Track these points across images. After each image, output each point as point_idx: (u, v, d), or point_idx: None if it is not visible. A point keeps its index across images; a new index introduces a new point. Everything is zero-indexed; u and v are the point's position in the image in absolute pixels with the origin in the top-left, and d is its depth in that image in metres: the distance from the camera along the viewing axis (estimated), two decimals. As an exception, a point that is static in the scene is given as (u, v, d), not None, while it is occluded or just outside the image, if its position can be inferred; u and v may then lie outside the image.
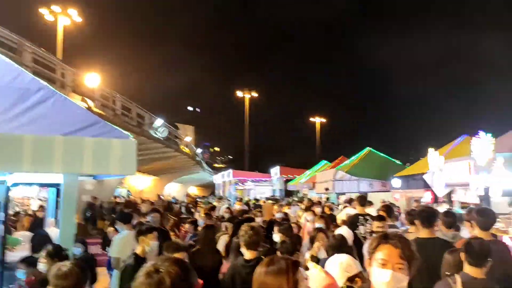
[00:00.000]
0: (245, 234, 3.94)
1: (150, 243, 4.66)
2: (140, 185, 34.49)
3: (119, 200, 26.90)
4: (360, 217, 6.07)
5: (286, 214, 10.33)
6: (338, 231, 5.39)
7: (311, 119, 53.86)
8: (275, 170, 32.15)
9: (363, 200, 6.80)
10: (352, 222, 6.13)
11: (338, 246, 4.07)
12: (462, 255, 3.21)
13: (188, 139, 27.00)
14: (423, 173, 13.36)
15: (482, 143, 9.53)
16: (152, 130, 17.96)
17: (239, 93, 51.49)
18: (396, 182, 16.20)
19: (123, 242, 5.73)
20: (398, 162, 19.56)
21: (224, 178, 40.31)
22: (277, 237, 5.37)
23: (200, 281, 3.43)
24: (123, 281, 4.21)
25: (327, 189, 19.02)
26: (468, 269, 3.15)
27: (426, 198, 13.72)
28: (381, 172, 18.09)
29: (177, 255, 3.59)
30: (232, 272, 3.93)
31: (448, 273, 3.29)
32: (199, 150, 35.84)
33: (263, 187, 35.17)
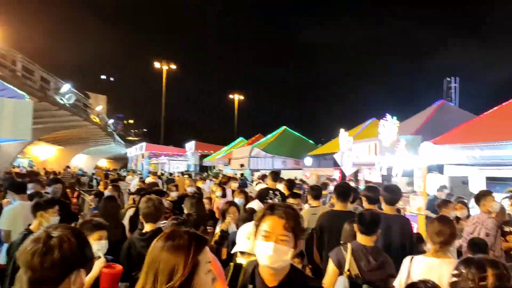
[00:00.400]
0: (143, 206, 3.78)
1: (50, 219, 4.03)
2: (44, 155, 31.94)
3: (19, 170, 24.70)
4: (269, 191, 6.16)
5: (198, 188, 10.12)
6: (250, 205, 5.41)
7: (230, 96, 53.75)
8: (190, 145, 31.66)
9: (275, 175, 6.88)
10: (261, 196, 6.18)
11: (249, 219, 3.99)
12: (355, 226, 3.49)
13: (99, 108, 25.30)
14: (333, 153, 13.99)
15: (388, 125, 10.15)
16: (58, 96, 16.45)
17: (156, 65, 49.35)
18: (308, 160, 16.81)
19: (14, 214, 5.12)
20: (311, 141, 20.29)
21: (137, 152, 38.88)
22: (185, 211, 5.17)
23: (119, 267, 3.09)
24: (10, 260, 3.67)
25: (242, 165, 19.17)
26: (359, 237, 3.42)
27: (335, 176, 14.42)
28: (295, 150, 18.65)
29: (96, 234, 3.22)
30: (127, 245, 3.69)
31: (343, 242, 3.60)
32: (110, 121, 33.92)
33: (177, 162, 34.56)
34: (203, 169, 32.04)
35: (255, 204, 5.35)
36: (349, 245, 3.35)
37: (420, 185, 9.96)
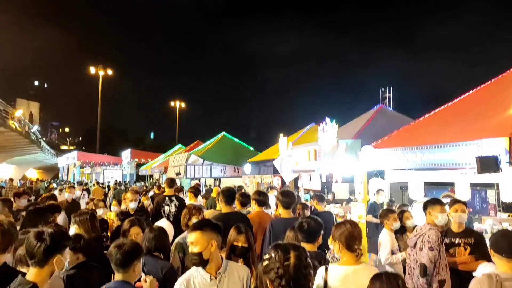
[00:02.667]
0: None
1: None
2: (-42, 166, 28.81)
3: None
4: (166, 198, 6.47)
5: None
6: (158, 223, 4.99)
7: (171, 103, 52.12)
8: (126, 154, 29.97)
9: (172, 182, 7.22)
10: (158, 203, 6.66)
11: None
12: (298, 234, 3.70)
13: (19, 113, 22.90)
14: (273, 159, 13.39)
15: (327, 129, 9.67)
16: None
17: (92, 70, 46.67)
18: (247, 167, 16.11)
19: None
20: (251, 148, 19.63)
21: (69, 161, 36.31)
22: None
23: None
24: None
25: (178, 173, 18.07)
26: (303, 245, 3.41)
27: (274, 183, 13.80)
28: (234, 157, 17.90)
29: None
30: None
31: None
32: (35, 127, 31.22)
33: (112, 170, 32.55)
34: (139, 178, 30.41)
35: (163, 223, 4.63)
36: None
37: (361, 192, 9.55)
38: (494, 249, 3.09)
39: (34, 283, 2.28)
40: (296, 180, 13.14)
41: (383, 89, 12.74)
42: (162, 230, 3.81)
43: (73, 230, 3.84)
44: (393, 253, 4.83)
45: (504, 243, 3.04)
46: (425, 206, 4.58)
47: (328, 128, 9.74)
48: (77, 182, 20.39)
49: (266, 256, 2.29)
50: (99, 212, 6.26)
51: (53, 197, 6.59)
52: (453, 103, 7.67)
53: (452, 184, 11.31)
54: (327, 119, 9.81)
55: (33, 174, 54.84)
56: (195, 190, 8.20)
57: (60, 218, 4.85)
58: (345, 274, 2.89)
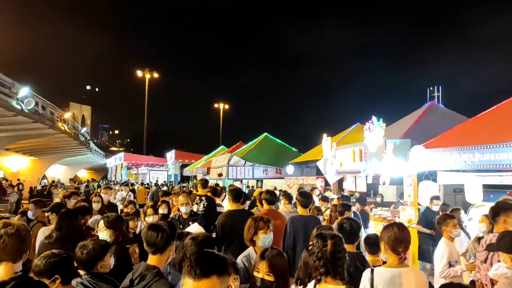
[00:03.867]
0: None
1: None
2: (16, 166, 30.36)
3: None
4: (196, 197, 6.63)
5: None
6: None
7: (215, 105, 52.56)
8: (171, 155, 30.41)
9: (205, 183, 7.25)
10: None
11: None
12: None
13: (68, 115, 23.73)
14: (316, 160, 12.96)
15: (374, 129, 9.14)
16: (14, 100, 15.05)
17: (139, 73, 47.86)
18: (290, 168, 15.74)
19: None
20: (293, 149, 19.21)
21: (116, 162, 37.44)
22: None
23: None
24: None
25: (220, 174, 17.99)
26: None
27: (317, 185, 13.35)
28: (277, 158, 17.57)
29: None
30: None
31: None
32: (83, 129, 32.36)
33: (157, 171, 33.19)
34: (184, 179, 30.77)
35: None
36: None
37: (410, 194, 8.94)
38: (500, 248, 3.23)
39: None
40: (340, 182, 12.64)
41: (431, 88, 11.91)
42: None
43: (101, 234, 3.63)
44: (450, 265, 4.30)
45: (509, 243, 3.15)
46: (497, 212, 3.85)
47: (374, 128, 9.21)
48: (123, 183, 20.82)
49: (311, 242, 2.73)
50: (149, 220, 5.68)
51: (86, 199, 6.53)
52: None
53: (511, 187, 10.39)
54: (374, 118, 9.28)
55: (84, 174, 57.25)
56: (271, 196, 6.81)
57: (94, 220, 4.75)
58: (391, 276, 2.92)
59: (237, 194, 5.43)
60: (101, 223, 3.72)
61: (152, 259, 2.73)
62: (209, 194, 7.08)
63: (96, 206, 6.42)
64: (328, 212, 7.40)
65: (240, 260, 3.46)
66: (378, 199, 12.61)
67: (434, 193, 8.25)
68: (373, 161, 9.16)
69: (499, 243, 3.18)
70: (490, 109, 7.67)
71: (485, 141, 6.30)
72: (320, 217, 6.55)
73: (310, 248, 2.69)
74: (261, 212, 5.44)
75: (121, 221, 3.89)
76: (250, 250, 3.59)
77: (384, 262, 3.47)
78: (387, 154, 8.66)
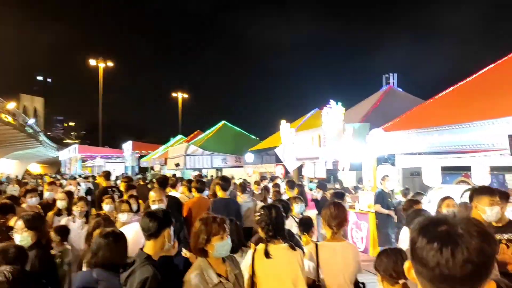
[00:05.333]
0: None
1: None
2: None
3: None
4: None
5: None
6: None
7: (174, 94, 51.22)
8: (127, 146, 29.27)
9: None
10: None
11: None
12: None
13: (12, 106, 22.09)
14: (276, 147, 12.66)
15: (333, 112, 8.90)
16: None
17: (92, 62, 45.68)
18: (249, 157, 15.38)
19: None
20: (253, 136, 18.84)
21: (70, 154, 35.76)
22: None
23: None
24: None
25: (177, 165, 17.40)
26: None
27: (277, 172, 13.08)
28: (236, 146, 17.15)
29: None
30: None
31: None
32: (31, 121, 30.52)
33: (114, 163, 31.95)
34: (142, 170, 29.78)
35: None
36: None
37: (370, 179, 8.79)
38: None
39: (149, 254, 2.67)
40: (300, 169, 12.42)
41: (387, 75, 11.84)
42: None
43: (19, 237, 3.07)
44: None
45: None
46: (471, 197, 3.59)
47: (333, 111, 8.98)
48: (71, 177, 19.75)
49: (257, 214, 3.29)
50: (123, 218, 4.76)
51: (12, 197, 5.80)
52: (476, 76, 6.82)
53: (467, 168, 10.50)
54: (332, 102, 9.04)
55: (36, 168, 54.57)
56: (200, 185, 6.20)
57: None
58: (332, 249, 3.27)
59: (162, 182, 5.88)
60: (19, 223, 3.16)
61: (146, 245, 2.77)
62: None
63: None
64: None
65: (192, 280, 2.66)
66: (337, 185, 12.50)
67: (392, 176, 8.12)
68: (332, 146, 8.94)
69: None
70: (447, 91, 7.58)
71: (443, 122, 6.16)
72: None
73: (257, 218, 3.25)
74: (191, 201, 5.87)
75: (42, 221, 3.35)
76: (202, 264, 2.74)
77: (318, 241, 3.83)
78: (346, 138, 8.45)
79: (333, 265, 3.19)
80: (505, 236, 3.47)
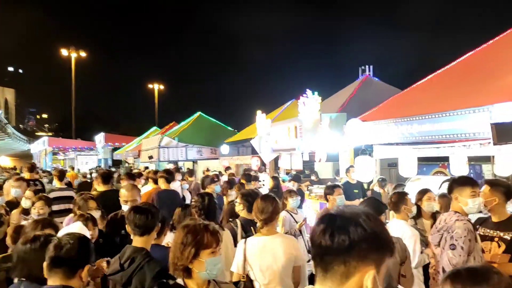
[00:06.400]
0: None
1: None
2: None
3: None
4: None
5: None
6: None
7: (150, 85, 50.06)
8: (100, 138, 28.43)
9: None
10: None
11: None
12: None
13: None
14: (252, 139, 12.33)
15: (309, 102, 8.60)
16: None
17: (64, 52, 43.96)
18: (225, 148, 15.01)
19: None
20: (229, 128, 18.45)
21: (40, 147, 34.56)
22: None
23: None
24: None
25: (151, 157, 16.88)
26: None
27: (253, 164, 12.76)
28: (211, 138, 16.75)
29: None
30: None
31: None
32: (-3, 112, 29.26)
33: (87, 156, 31.04)
34: (115, 163, 29.01)
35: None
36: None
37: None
38: None
39: (146, 249, 2.68)
40: (276, 160, 12.13)
41: (363, 67, 11.63)
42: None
43: None
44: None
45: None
46: (451, 188, 3.30)
47: (309, 101, 8.68)
48: (44, 170, 18.98)
49: (193, 200, 3.95)
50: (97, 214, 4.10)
51: None
52: (455, 64, 6.60)
53: (444, 159, 10.40)
54: (309, 92, 8.74)
55: (6, 162, 52.73)
56: (168, 175, 6.53)
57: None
58: (261, 243, 3.22)
59: (105, 176, 5.89)
60: None
61: (138, 241, 2.72)
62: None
63: None
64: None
65: None
66: (313, 177, 12.28)
67: (369, 168, 7.88)
68: (308, 137, 8.65)
69: None
70: (425, 79, 7.36)
71: (423, 111, 5.92)
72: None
73: (193, 204, 3.95)
74: (150, 192, 6.24)
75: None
76: None
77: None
78: (322, 128, 8.18)
79: (260, 260, 3.15)
80: (501, 234, 3.21)
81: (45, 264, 2.02)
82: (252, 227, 3.65)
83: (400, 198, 3.98)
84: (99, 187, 5.79)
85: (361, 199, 7.43)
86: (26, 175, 7.14)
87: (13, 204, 5.76)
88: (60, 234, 2.96)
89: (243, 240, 3.35)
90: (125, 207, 3.95)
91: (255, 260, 3.15)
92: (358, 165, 8.00)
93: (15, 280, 2.38)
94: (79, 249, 2.09)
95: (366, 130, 7.02)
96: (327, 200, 5.44)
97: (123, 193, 4.09)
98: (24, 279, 2.22)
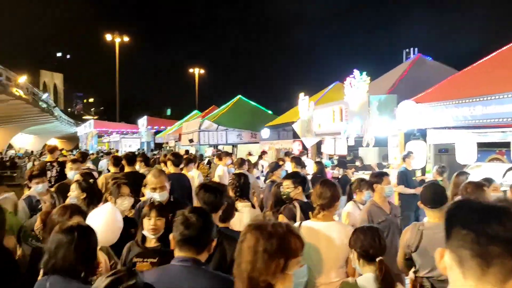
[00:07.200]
0: None
1: None
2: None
3: None
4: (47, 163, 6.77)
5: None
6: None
7: (191, 70, 50.49)
8: (143, 121, 28.89)
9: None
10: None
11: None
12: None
13: (23, 79, 21.67)
14: (293, 122, 11.94)
15: (356, 83, 8.09)
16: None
17: (108, 37, 44.89)
18: (265, 132, 14.70)
19: None
20: (269, 111, 18.09)
21: (86, 130, 35.69)
22: None
23: None
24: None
25: (191, 140, 16.85)
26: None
27: (295, 149, 12.38)
28: (251, 122, 16.46)
29: None
30: None
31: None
32: (45, 95, 30.31)
33: (130, 139, 31.73)
34: (157, 146, 29.47)
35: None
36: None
37: (397, 156, 8.03)
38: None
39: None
40: (318, 145, 11.70)
41: (407, 50, 10.88)
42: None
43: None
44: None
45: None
46: None
47: (357, 82, 8.16)
48: (90, 152, 19.46)
49: (230, 179, 4.48)
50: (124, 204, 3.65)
51: None
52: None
53: (502, 145, 9.59)
54: (356, 72, 8.22)
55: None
56: (176, 158, 6.30)
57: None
58: (316, 229, 3.14)
59: (130, 159, 6.33)
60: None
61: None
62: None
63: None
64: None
65: None
66: (358, 163, 11.75)
67: (422, 153, 7.33)
68: (355, 121, 8.17)
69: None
70: (485, 58, 6.69)
71: (487, 91, 5.33)
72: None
73: (230, 182, 4.24)
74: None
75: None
76: None
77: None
78: (371, 111, 7.67)
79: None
80: None
81: (173, 239, 2.04)
82: (310, 212, 3.42)
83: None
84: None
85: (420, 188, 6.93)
86: (48, 157, 7.30)
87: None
88: (90, 217, 2.78)
89: (298, 223, 3.27)
90: (154, 196, 3.53)
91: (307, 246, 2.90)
92: (404, 151, 7.48)
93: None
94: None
95: (420, 113, 6.49)
96: (373, 190, 4.85)
97: (151, 180, 3.64)
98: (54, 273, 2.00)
